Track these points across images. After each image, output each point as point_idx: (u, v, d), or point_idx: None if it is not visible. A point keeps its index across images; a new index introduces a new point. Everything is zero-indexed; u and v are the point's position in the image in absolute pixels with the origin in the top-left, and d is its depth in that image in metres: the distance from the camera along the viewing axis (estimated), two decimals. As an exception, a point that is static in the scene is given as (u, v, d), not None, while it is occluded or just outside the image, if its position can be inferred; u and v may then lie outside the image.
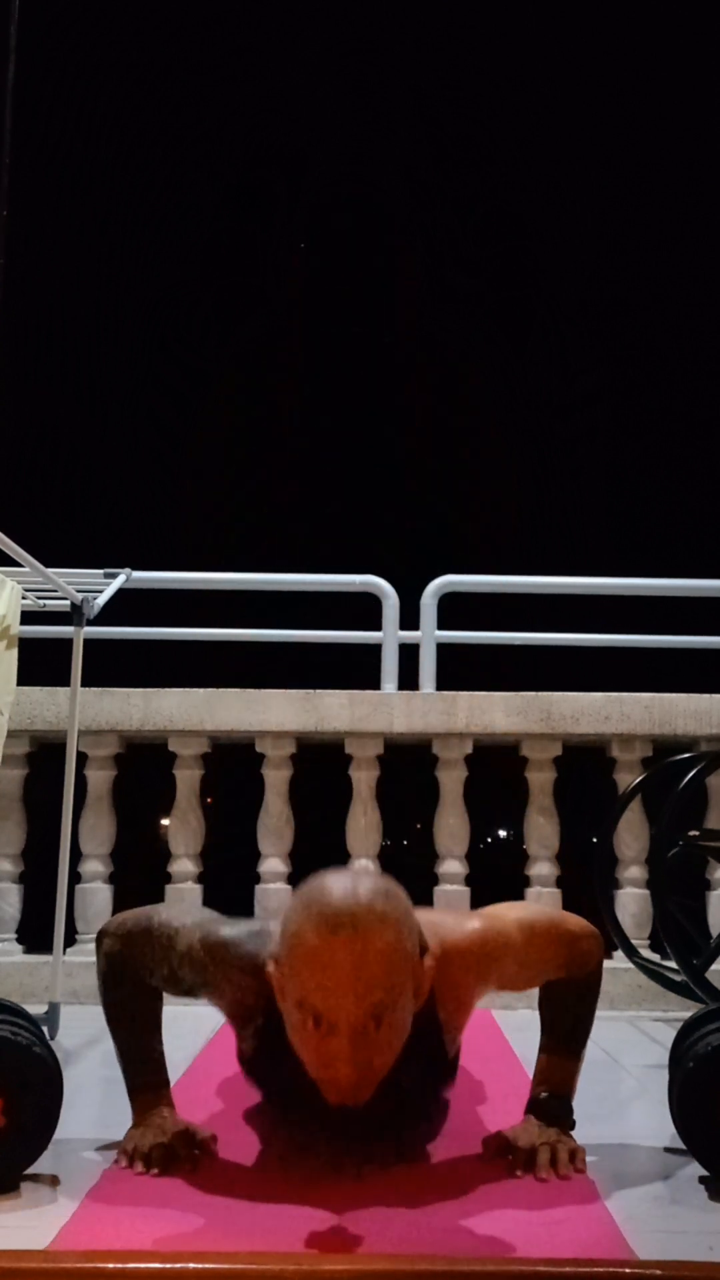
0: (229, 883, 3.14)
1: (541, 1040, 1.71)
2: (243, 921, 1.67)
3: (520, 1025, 2.71)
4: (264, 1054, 1.59)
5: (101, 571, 2.74)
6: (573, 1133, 1.62)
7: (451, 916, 1.70)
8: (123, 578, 2.75)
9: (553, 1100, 1.64)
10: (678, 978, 2.62)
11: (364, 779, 3.20)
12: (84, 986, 2.99)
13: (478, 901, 2.80)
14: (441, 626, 3.41)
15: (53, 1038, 2.45)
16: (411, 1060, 1.48)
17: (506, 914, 1.70)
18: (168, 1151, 1.54)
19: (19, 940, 3.14)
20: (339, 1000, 1.35)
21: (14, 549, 2.13)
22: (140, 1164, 1.53)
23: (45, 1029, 2.12)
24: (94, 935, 3.09)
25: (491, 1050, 2.37)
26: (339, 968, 1.35)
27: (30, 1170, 1.49)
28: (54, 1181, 1.49)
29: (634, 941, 2.99)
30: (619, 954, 2.97)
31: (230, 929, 1.63)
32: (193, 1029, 2.52)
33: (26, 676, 2.53)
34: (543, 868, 3.18)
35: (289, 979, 1.41)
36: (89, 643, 2.72)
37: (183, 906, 1.74)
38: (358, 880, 1.42)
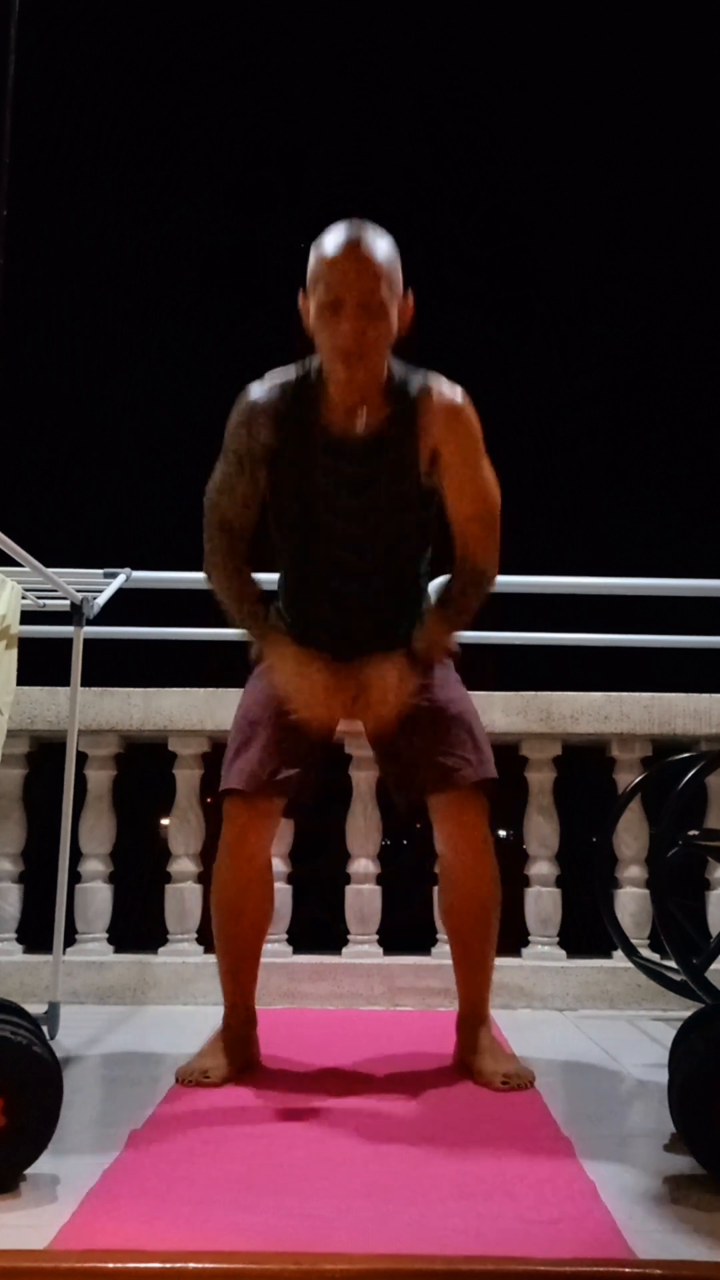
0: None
1: (431, 613, 2.18)
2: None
3: (521, 1025, 2.71)
4: (296, 416, 2.06)
5: (101, 571, 2.74)
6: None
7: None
8: (123, 578, 2.74)
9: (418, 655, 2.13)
10: (677, 977, 2.62)
11: (364, 779, 3.19)
12: (84, 986, 3.00)
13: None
14: (441, 626, 3.40)
15: (53, 1038, 2.45)
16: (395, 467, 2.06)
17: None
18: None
19: (19, 940, 3.14)
20: (347, 278, 1.89)
21: (14, 549, 2.13)
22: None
23: (45, 1029, 2.12)
24: (94, 934, 3.12)
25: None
26: (348, 257, 1.90)
27: (30, 1170, 1.49)
28: (54, 1181, 1.49)
29: (634, 941, 2.99)
30: (618, 953, 2.97)
31: (238, 405, 2.14)
32: (194, 1028, 2.52)
33: (26, 676, 2.52)
34: (542, 867, 3.18)
35: (313, 286, 1.94)
36: (89, 643, 2.71)
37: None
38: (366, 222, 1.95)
